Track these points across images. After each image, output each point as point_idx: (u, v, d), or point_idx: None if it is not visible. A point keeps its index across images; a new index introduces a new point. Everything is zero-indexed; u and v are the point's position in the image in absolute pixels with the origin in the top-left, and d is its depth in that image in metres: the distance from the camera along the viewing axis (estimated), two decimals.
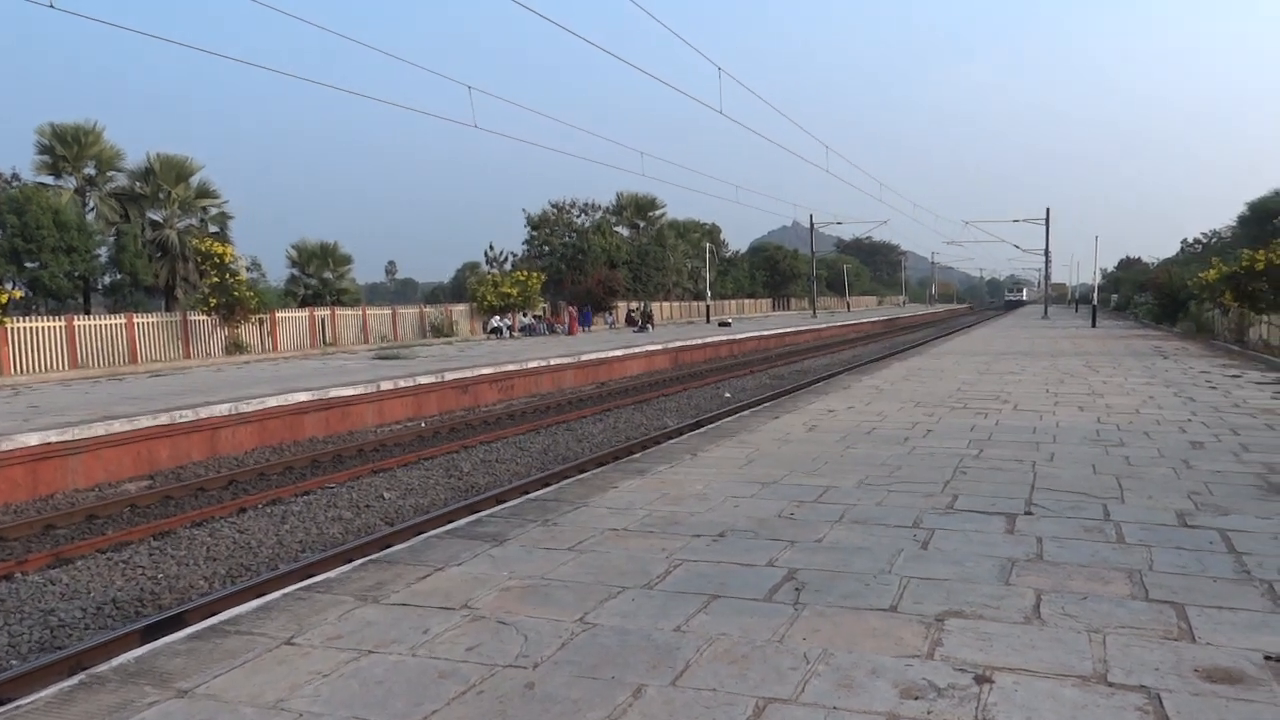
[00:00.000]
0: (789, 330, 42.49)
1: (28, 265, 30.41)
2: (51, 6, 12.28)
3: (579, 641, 3.89)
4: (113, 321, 24.85)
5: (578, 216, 61.07)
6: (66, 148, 34.31)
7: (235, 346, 27.34)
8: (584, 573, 4.86)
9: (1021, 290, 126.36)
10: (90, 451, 11.49)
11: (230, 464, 12.84)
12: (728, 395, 20.68)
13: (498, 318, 37.83)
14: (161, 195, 36.52)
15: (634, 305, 49.05)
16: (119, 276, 34.80)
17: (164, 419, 12.53)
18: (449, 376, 18.59)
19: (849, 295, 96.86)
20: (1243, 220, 56.18)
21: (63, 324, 23.16)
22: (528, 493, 8.41)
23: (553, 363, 22.51)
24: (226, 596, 6.89)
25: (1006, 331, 36.91)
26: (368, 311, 35.16)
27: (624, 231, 64.28)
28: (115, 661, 3.86)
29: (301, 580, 5.27)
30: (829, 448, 8.71)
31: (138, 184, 36.49)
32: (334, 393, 15.60)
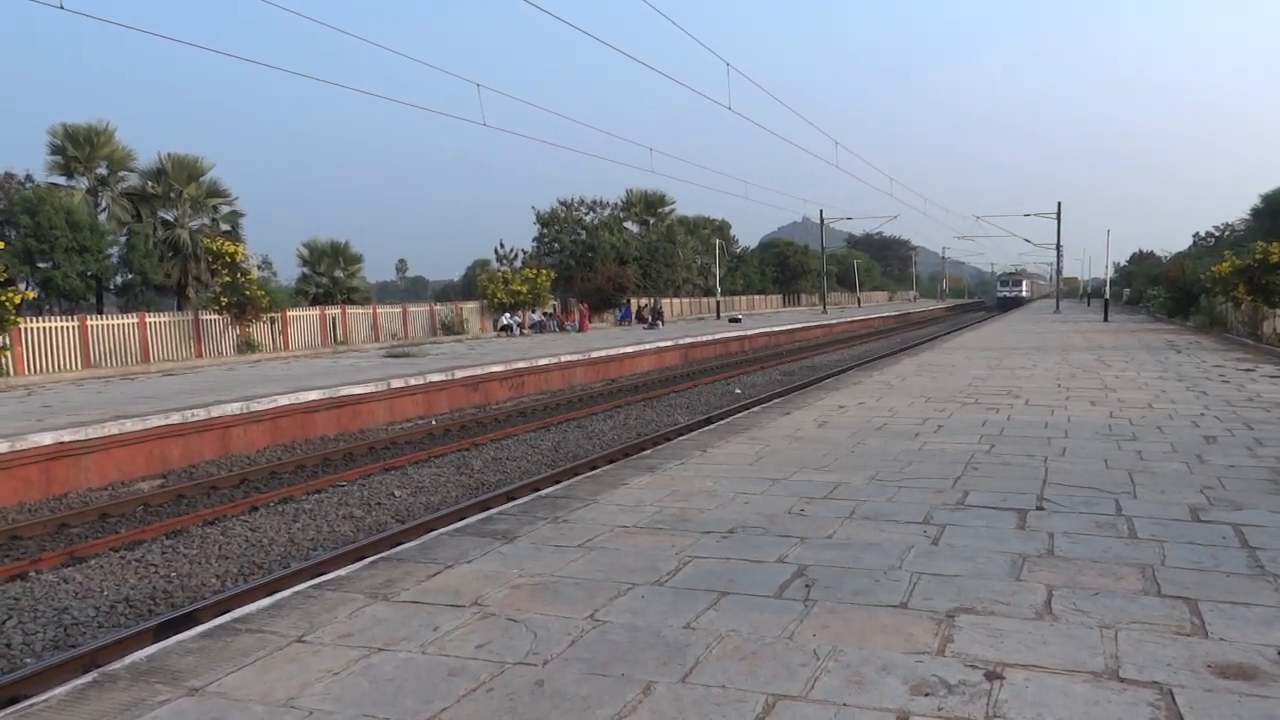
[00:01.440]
0: (799, 326, 42.42)
1: (41, 265, 30.59)
2: (61, 8, 12.34)
3: (589, 639, 3.89)
4: (125, 321, 24.96)
5: (587, 214, 61.07)
6: (78, 148, 34.49)
7: (247, 345, 27.43)
8: (594, 570, 4.86)
9: (1021, 284, 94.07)
10: (103, 450, 11.55)
11: (242, 462, 12.90)
12: (738, 391, 20.66)
13: (508, 315, 37.85)
14: (173, 195, 36.69)
15: (644, 302, 49.01)
16: (131, 276, 34.97)
17: (176, 418, 12.59)
18: (460, 374, 18.62)
19: (860, 291, 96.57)
20: (1256, 213, 55.84)
21: (75, 324, 23.27)
22: (538, 490, 8.42)
23: (563, 360, 22.53)
24: (238, 594, 6.92)
25: (1018, 326, 36.76)
26: (378, 310, 35.22)
27: (633, 228, 64.23)
28: (128, 660, 3.88)
29: (312, 578, 5.29)
30: (839, 444, 8.69)
31: (149, 184, 36.67)
32: (345, 391, 15.65)
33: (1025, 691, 3.26)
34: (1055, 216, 58.19)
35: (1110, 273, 49.44)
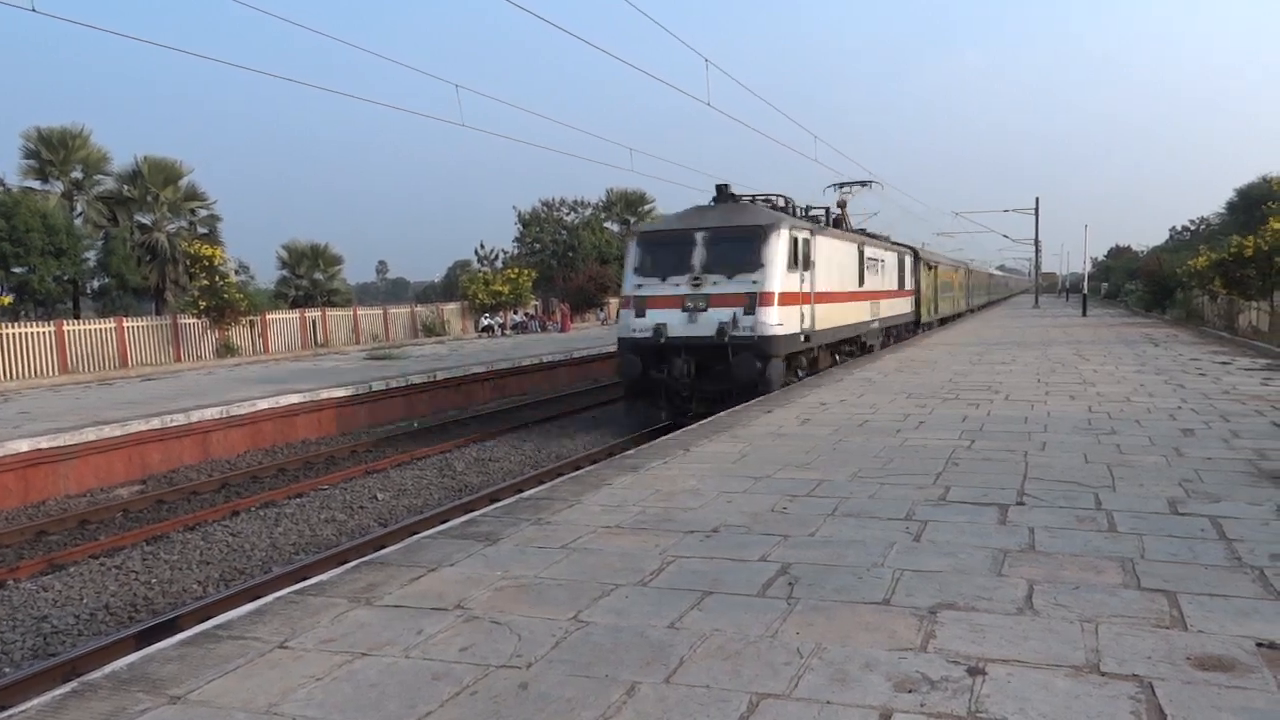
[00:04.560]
0: None
1: (16, 270, 30.25)
2: (33, 10, 12.19)
3: (572, 640, 3.88)
4: (103, 326, 24.72)
5: (568, 214, 60.97)
6: (53, 151, 34.15)
7: (226, 349, 27.24)
8: (577, 571, 4.85)
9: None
10: (82, 457, 11.44)
11: (222, 467, 12.81)
12: None
13: (489, 316, 37.77)
14: (150, 198, 36.39)
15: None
16: (108, 280, 34.69)
17: (155, 423, 12.49)
18: (441, 376, 18.56)
19: None
20: (1231, 207, 56.49)
21: (52, 329, 23.04)
22: (521, 491, 8.40)
23: (545, 360, 22.49)
24: (220, 600, 6.89)
25: (999, 322, 36.98)
26: (359, 312, 35.06)
27: (614, 227, 64.21)
28: (108, 668, 3.84)
29: (295, 583, 5.25)
30: (821, 441, 8.71)
31: (126, 187, 36.36)
32: (326, 394, 15.56)
33: (1007, 686, 3.28)
34: (1034, 212, 58.56)
35: (1088, 267, 49.77)
